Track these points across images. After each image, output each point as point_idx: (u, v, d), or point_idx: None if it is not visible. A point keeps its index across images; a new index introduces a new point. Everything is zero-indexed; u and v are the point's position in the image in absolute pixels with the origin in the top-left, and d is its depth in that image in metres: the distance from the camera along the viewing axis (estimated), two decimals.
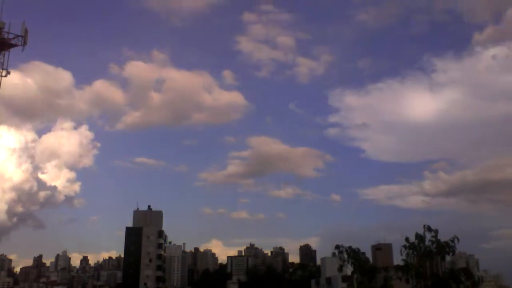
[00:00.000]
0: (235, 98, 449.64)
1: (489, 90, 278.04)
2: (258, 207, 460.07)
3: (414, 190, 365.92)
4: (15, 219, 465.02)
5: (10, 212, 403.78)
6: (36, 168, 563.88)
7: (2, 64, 60.10)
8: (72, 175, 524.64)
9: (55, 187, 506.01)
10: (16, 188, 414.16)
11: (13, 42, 60.86)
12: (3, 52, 60.42)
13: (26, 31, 61.57)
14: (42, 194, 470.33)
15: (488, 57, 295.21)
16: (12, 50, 61.29)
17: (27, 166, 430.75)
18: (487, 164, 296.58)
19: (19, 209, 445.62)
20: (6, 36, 60.55)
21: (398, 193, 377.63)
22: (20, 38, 61.09)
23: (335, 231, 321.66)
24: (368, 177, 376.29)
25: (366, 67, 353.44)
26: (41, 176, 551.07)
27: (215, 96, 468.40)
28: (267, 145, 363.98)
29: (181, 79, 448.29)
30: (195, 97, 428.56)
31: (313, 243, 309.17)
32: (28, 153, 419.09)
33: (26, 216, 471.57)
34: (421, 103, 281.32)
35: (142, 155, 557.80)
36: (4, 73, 60.06)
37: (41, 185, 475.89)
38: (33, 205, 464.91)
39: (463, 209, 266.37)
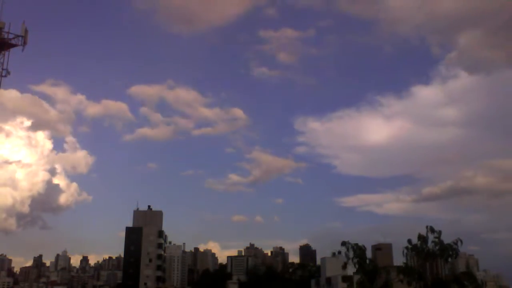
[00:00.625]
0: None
1: (431, 119, 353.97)
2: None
3: (389, 199, 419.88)
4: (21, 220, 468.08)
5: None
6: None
7: (2, 64, 59.99)
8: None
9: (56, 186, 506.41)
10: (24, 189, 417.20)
11: (13, 42, 60.74)
12: (3, 52, 60.30)
13: (26, 31, 61.44)
14: (44, 194, 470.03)
15: (430, 92, 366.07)
16: (12, 50, 61.20)
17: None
18: (444, 177, 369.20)
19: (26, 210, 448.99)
20: (6, 36, 60.43)
21: (375, 201, 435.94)
22: (20, 38, 60.97)
23: (324, 233, 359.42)
24: (345, 187, 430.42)
25: (327, 98, 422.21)
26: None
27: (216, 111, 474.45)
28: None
29: None
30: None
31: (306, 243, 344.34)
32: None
33: (32, 217, 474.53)
34: (376, 129, 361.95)
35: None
36: (4, 73, 60.01)
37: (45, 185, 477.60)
38: (37, 206, 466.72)
39: (436, 214, 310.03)
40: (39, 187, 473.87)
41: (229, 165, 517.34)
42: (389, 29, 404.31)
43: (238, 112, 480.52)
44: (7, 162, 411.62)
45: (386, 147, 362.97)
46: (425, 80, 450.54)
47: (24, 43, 61.07)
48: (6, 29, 60.87)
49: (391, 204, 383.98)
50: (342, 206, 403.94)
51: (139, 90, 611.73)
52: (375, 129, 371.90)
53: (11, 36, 60.74)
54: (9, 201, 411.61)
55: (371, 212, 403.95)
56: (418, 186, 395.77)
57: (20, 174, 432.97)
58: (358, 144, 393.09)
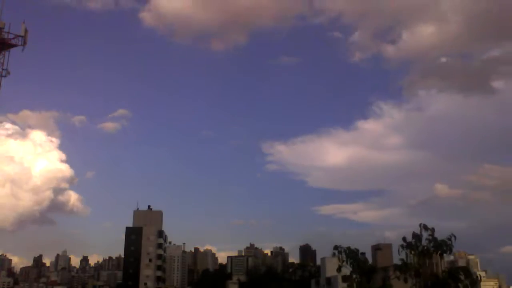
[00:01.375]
0: None
1: (382, 145, 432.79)
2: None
3: (362, 208, 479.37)
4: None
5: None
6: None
7: (2, 64, 60.15)
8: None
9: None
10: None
11: (13, 42, 60.90)
12: (3, 52, 60.45)
13: (26, 31, 61.60)
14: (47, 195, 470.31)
15: (380, 121, 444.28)
16: (12, 50, 61.36)
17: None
18: (403, 190, 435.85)
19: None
20: (6, 36, 60.58)
21: (349, 210, 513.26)
22: (20, 38, 61.14)
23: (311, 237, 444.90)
24: (319, 198, 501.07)
25: (290, 126, 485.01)
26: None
27: None
28: None
29: None
30: None
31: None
32: None
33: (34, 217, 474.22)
34: (334, 152, 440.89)
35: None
36: (4, 73, 60.18)
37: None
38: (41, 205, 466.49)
39: (404, 222, 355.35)
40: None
41: None
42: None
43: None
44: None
45: (345, 167, 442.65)
46: (370, 114, 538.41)
47: (24, 43, 61.26)
48: (6, 29, 61.11)
49: (365, 212, 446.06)
50: (321, 213, 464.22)
51: None
52: (334, 152, 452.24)
53: (11, 36, 60.97)
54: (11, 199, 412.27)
55: (348, 218, 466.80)
56: (382, 197, 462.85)
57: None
58: (322, 164, 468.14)
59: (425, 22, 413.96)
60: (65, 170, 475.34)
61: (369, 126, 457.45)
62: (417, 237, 18.39)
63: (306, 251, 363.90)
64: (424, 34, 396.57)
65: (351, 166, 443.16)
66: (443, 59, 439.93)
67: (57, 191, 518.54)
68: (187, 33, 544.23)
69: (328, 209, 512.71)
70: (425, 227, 18.16)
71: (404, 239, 18.47)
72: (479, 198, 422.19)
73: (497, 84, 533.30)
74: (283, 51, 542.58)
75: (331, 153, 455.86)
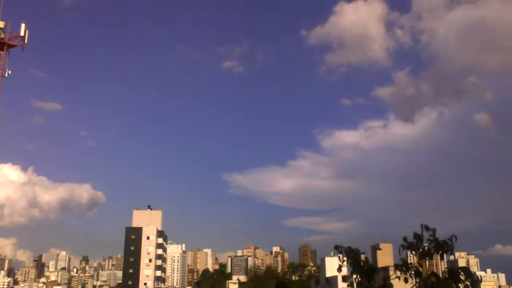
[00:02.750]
0: None
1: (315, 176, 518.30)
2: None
3: (322, 221, 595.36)
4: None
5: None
6: None
7: (2, 64, 60.06)
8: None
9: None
10: None
11: (13, 42, 60.80)
12: (2, 52, 60.36)
13: (26, 31, 61.48)
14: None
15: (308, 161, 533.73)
16: (12, 50, 61.25)
17: None
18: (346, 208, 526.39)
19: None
20: (6, 36, 60.49)
21: (312, 222, 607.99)
22: (20, 38, 61.04)
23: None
24: (282, 213, 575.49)
25: (244, 159, 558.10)
26: None
27: None
28: None
29: None
30: None
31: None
32: None
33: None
34: (282, 181, 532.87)
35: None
36: (4, 73, 60.06)
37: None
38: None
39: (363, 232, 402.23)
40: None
41: None
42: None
43: None
44: None
45: (294, 192, 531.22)
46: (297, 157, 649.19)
47: (24, 43, 61.17)
48: (6, 29, 61.02)
49: (327, 224, 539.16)
50: (289, 225, 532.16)
51: None
52: (282, 181, 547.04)
53: (11, 36, 60.89)
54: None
55: (314, 229, 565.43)
56: (334, 213, 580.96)
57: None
58: (275, 189, 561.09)
59: None
60: None
61: (298, 163, 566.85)
62: (418, 237, 18.31)
63: (306, 251, 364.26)
64: None
65: (298, 191, 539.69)
66: None
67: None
68: None
69: (294, 221, 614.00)
70: (426, 228, 18.08)
71: (405, 239, 18.39)
72: None
73: None
74: None
75: (280, 182, 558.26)
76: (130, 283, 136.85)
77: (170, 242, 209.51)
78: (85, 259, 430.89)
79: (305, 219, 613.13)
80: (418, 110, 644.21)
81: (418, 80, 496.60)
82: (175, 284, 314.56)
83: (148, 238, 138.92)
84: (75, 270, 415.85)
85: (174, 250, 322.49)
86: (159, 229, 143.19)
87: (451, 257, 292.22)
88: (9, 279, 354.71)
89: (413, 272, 19.73)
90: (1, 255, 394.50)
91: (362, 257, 21.62)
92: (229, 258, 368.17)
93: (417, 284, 20.33)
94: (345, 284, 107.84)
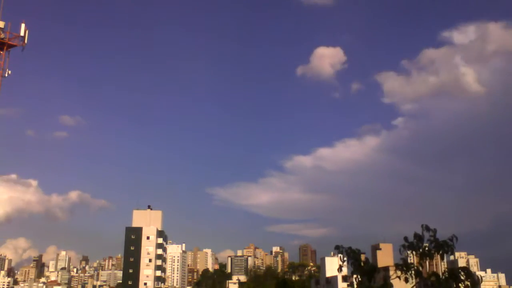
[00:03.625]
0: None
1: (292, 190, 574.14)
2: None
3: (301, 227, 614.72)
4: None
5: None
6: None
7: (2, 64, 60.09)
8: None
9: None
10: None
11: (13, 42, 60.83)
12: (2, 52, 60.38)
13: (26, 31, 61.51)
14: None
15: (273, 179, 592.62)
16: (12, 50, 61.30)
17: None
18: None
19: None
20: (6, 36, 60.52)
21: (293, 228, 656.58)
22: (20, 38, 61.08)
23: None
24: (264, 221, 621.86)
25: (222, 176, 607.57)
26: None
27: None
28: None
29: None
30: None
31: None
32: None
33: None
34: (259, 195, 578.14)
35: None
36: (4, 73, 60.10)
37: None
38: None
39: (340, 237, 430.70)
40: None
41: None
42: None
43: None
44: None
45: (271, 204, 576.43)
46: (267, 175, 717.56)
47: (24, 43, 61.21)
48: (6, 29, 61.06)
49: (306, 230, 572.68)
50: (272, 230, 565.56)
51: None
52: (259, 195, 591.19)
53: (11, 36, 60.92)
54: None
55: (295, 234, 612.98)
56: (311, 221, 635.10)
57: None
58: (254, 202, 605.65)
59: None
60: None
61: (269, 180, 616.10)
62: (418, 237, 18.30)
63: (306, 251, 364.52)
64: None
65: (275, 204, 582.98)
66: None
67: None
68: None
69: (276, 228, 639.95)
70: (427, 228, 18.06)
71: (405, 238, 18.33)
72: None
73: None
74: None
75: (256, 196, 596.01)
76: (130, 283, 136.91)
77: (170, 242, 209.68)
78: (85, 259, 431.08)
79: (285, 225, 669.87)
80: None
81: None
82: (175, 284, 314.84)
83: (148, 238, 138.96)
84: (75, 270, 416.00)
85: (174, 250, 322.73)
86: (159, 229, 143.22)
87: (451, 257, 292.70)
88: (9, 279, 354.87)
89: (413, 272, 19.74)
90: (1, 254, 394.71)
91: (363, 257, 21.59)
92: (229, 258, 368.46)
93: (417, 284, 20.38)
94: (345, 284, 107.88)
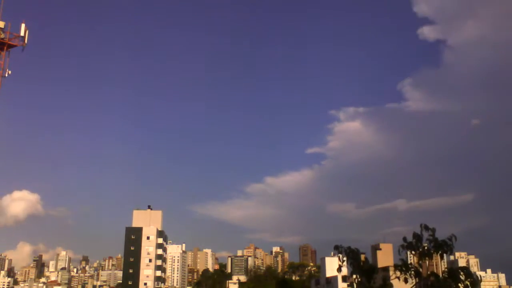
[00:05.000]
0: None
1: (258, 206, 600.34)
2: None
3: (277, 235, 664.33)
4: None
5: None
6: None
7: (2, 64, 60.04)
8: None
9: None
10: None
11: (13, 42, 60.78)
12: (2, 53, 60.33)
13: (26, 31, 61.45)
14: None
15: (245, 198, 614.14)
16: (12, 50, 61.23)
17: None
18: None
19: None
20: (6, 36, 60.47)
21: (267, 236, 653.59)
22: (20, 38, 61.03)
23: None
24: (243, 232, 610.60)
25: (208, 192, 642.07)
26: None
27: None
28: None
29: None
30: None
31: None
32: None
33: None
34: (233, 212, 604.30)
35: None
36: (4, 73, 60.05)
37: None
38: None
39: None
40: None
41: None
42: None
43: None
44: None
45: (238, 221, 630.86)
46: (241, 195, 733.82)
47: (24, 43, 61.14)
48: (6, 29, 60.99)
49: (283, 237, 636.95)
50: (251, 237, 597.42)
51: None
52: (233, 212, 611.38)
53: (11, 36, 60.87)
54: None
55: (271, 241, 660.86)
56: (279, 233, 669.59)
57: None
58: (231, 217, 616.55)
59: None
60: None
61: (236, 201, 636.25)
62: (417, 237, 18.32)
63: (306, 251, 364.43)
64: None
65: (246, 220, 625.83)
66: None
67: None
68: None
69: (255, 235, 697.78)
70: (426, 228, 18.09)
71: (404, 239, 18.39)
72: None
73: None
74: None
75: (231, 213, 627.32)
76: (130, 283, 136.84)
77: (170, 242, 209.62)
78: (85, 259, 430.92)
79: (262, 234, 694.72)
80: None
81: None
82: (175, 284, 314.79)
83: (148, 238, 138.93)
84: (75, 270, 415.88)
85: (174, 250, 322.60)
86: (159, 229, 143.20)
87: (451, 257, 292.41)
88: (9, 279, 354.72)
89: (413, 272, 19.74)
90: (1, 254, 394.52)
91: (362, 257, 21.59)
92: (229, 258, 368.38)
93: (416, 285, 20.35)
94: (345, 284, 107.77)
